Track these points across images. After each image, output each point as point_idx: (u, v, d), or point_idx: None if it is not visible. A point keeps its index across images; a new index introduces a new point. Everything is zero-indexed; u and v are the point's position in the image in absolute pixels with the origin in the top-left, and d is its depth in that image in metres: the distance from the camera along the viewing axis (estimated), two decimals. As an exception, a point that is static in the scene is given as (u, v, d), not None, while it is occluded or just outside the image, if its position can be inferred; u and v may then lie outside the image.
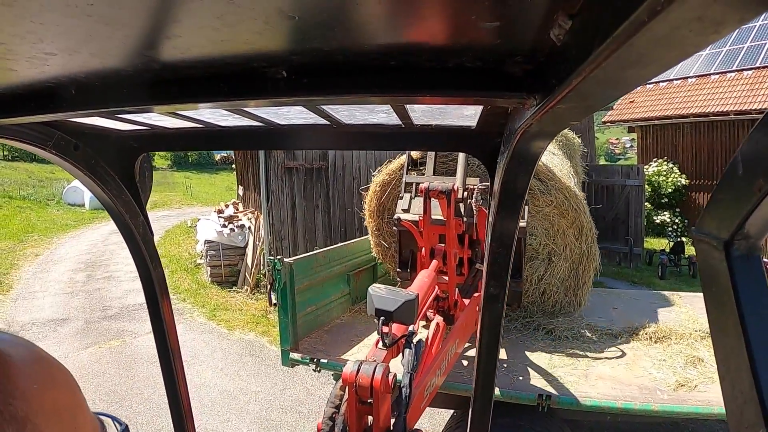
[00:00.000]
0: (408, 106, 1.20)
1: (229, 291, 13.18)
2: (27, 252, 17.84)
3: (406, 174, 6.67)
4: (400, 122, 1.36)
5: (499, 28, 0.67)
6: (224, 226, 13.69)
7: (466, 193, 5.30)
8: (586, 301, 6.86)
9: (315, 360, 5.64)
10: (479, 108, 1.17)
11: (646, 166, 20.09)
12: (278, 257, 5.77)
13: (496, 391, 4.92)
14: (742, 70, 20.26)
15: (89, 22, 0.67)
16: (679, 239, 17.86)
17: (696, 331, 6.24)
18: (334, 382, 6.01)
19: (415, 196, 6.24)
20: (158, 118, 1.41)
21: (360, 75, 0.88)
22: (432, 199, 4.93)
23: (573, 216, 6.44)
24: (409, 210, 6.08)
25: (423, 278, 4.63)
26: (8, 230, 20.61)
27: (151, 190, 1.82)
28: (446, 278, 4.92)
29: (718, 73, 21.40)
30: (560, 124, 0.92)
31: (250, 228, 13.67)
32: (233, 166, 27.68)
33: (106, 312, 12.04)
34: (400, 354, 3.45)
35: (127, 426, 0.82)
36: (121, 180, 1.60)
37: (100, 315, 11.83)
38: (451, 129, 1.42)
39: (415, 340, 3.36)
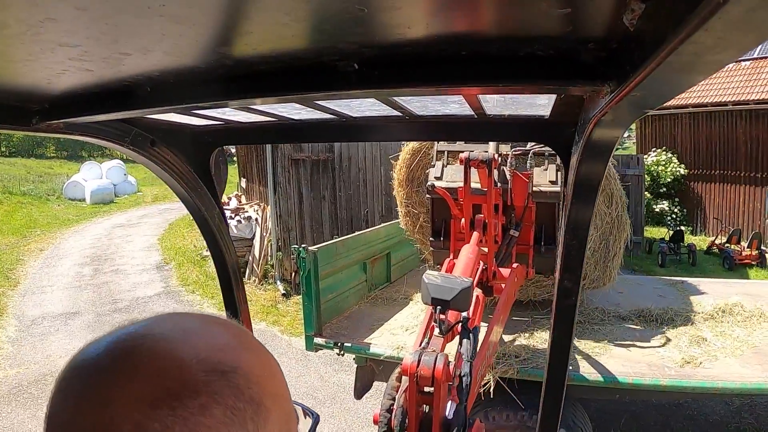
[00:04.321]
0: (480, 97, 1.18)
1: (237, 282, 13.27)
2: (31, 247, 17.80)
3: (437, 142, 6.39)
4: (473, 113, 1.35)
5: (571, 14, 0.66)
6: (231, 218, 13.81)
7: (500, 159, 5.17)
8: (616, 276, 6.63)
9: (339, 344, 5.76)
10: (552, 97, 1.15)
11: (645, 156, 20.27)
12: (303, 245, 5.90)
13: (527, 368, 5.17)
14: (740, 60, 20.33)
15: (161, 21, 0.69)
16: (678, 228, 18.08)
17: (699, 313, 6.45)
18: (354, 365, 6.19)
19: (447, 164, 6.12)
20: (232, 113, 1.42)
21: (431, 66, 0.87)
22: (471, 168, 4.76)
23: (603, 182, 5.97)
24: (442, 178, 5.97)
25: (468, 255, 4.42)
26: (10, 226, 20.48)
27: (226, 182, 1.76)
28: (485, 249, 4.77)
29: (715, 64, 21.49)
30: (635, 112, 0.90)
31: (256, 220, 13.80)
32: (234, 158, 27.60)
33: (116, 305, 12.14)
34: (456, 339, 3.43)
35: (318, 416, 0.85)
36: (197, 174, 1.64)
37: (110, 308, 11.93)
38: (525, 119, 1.39)
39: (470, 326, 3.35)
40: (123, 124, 1.40)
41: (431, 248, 6.28)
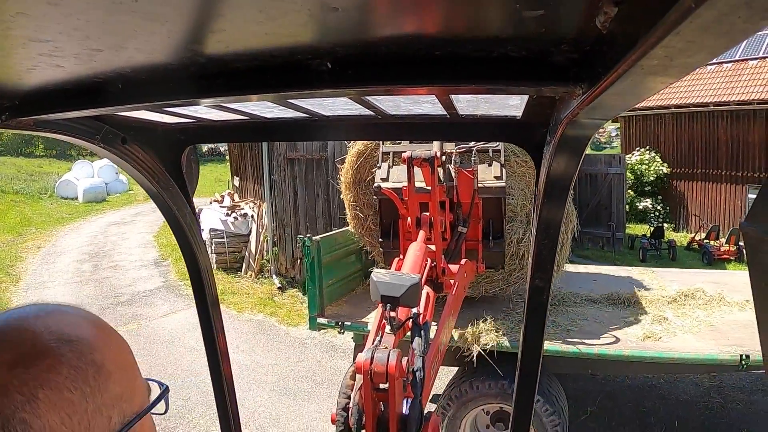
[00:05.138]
0: (453, 97, 1.17)
1: (235, 276, 13.67)
2: (29, 245, 18.01)
3: (382, 143, 6.55)
4: (445, 113, 1.34)
5: (544, 16, 0.67)
6: (228, 215, 14.18)
7: (444, 157, 5.32)
8: (564, 265, 6.91)
9: (339, 323, 6.32)
10: (525, 98, 1.15)
11: (629, 155, 20.85)
12: (308, 235, 6.43)
13: (505, 341, 5.65)
14: (721, 62, 20.77)
15: (134, 18, 0.68)
16: (659, 224, 18.66)
17: (663, 296, 7.05)
18: (353, 343, 6.67)
19: (393, 164, 6.25)
20: (204, 111, 1.41)
21: (405, 65, 0.88)
22: (415, 167, 4.80)
23: None
24: (388, 179, 6.09)
25: (415, 252, 4.49)
26: (6, 224, 20.65)
27: (197, 181, 1.71)
28: (432, 247, 4.82)
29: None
30: (607, 113, 0.91)
31: (252, 216, 14.19)
32: (226, 157, 27.65)
33: (118, 299, 12.47)
34: (408, 335, 3.49)
35: (167, 387, 0.91)
36: (169, 172, 1.61)
37: (112, 302, 12.25)
38: (497, 119, 1.39)
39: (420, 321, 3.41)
40: (94, 122, 1.39)
41: (381, 249, 6.53)
